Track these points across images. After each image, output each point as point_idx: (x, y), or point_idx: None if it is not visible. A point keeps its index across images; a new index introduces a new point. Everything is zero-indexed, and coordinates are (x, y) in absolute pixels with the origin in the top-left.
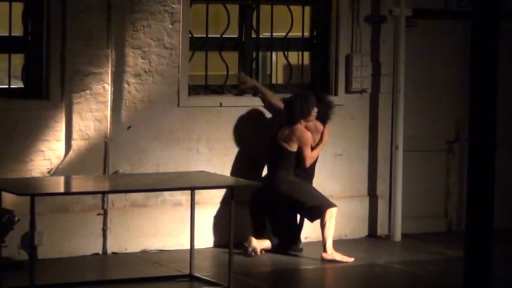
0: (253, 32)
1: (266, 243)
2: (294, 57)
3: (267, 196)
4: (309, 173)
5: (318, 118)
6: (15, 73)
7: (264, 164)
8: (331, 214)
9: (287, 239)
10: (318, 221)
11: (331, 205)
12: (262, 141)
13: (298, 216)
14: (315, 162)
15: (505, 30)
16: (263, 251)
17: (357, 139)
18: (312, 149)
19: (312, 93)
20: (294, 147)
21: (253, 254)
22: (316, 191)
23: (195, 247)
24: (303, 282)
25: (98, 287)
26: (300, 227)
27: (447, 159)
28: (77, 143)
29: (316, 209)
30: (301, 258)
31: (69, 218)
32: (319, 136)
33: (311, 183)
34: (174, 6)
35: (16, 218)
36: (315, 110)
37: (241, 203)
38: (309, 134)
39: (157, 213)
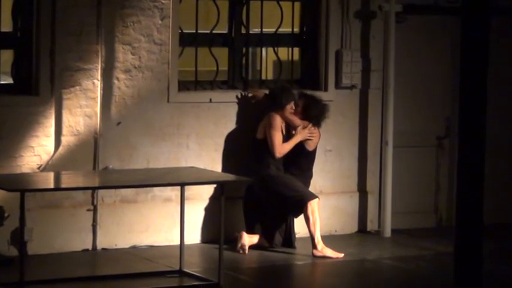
0: (243, 27)
1: (256, 238)
2: (283, 52)
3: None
4: (305, 172)
5: (309, 119)
6: (4, 69)
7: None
8: (313, 208)
9: (271, 234)
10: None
11: (311, 197)
12: (252, 136)
13: (285, 212)
14: (312, 162)
15: (496, 27)
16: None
17: (347, 135)
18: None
19: (290, 89)
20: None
21: (241, 250)
22: (296, 182)
23: (185, 243)
24: (293, 278)
25: (88, 283)
26: (280, 222)
27: (437, 155)
28: (66, 139)
29: (298, 203)
30: (292, 254)
31: (59, 214)
32: (314, 139)
33: (308, 184)
34: (163, 2)
35: (6, 214)
36: (291, 106)
37: (231, 199)
38: (276, 118)
39: (147, 209)
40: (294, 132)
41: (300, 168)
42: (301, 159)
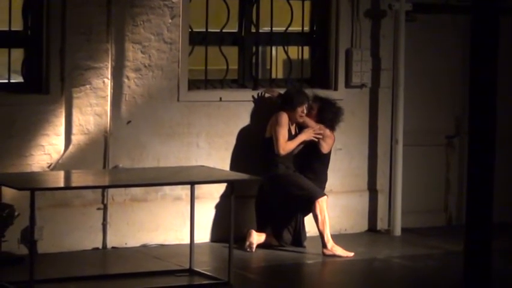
0: (253, 26)
1: (264, 237)
2: (293, 51)
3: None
4: (320, 176)
5: (323, 123)
6: (15, 68)
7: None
8: (321, 206)
9: (280, 233)
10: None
11: (319, 194)
12: (261, 135)
13: (293, 211)
14: (326, 165)
15: (505, 26)
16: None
17: (357, 133)
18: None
19: (305, 92)
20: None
21: (248, 248)
22: (305, 180)
23: (195, 242)
24: (303, 276)
25: (98, 282)
26: (289, 221)
27: (447, 154)
28: (76, 138)
29: (306, 201)
30: (302, 253)
31: (69, 213)
32: (329, 141)
33: (323, 188)
34: (173, 0)
35: (16, 213)
36: (303, 109)
37: (241, 198)
38: (283, 116)
39: (157, 208)
40: None
41: (314, 171)
42: (315, 162)
